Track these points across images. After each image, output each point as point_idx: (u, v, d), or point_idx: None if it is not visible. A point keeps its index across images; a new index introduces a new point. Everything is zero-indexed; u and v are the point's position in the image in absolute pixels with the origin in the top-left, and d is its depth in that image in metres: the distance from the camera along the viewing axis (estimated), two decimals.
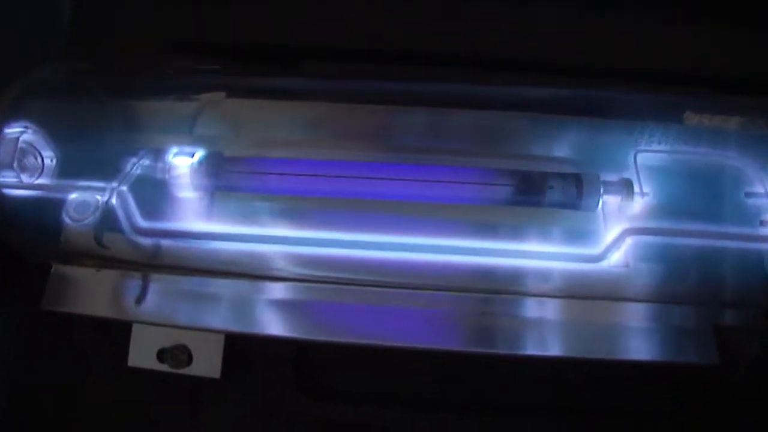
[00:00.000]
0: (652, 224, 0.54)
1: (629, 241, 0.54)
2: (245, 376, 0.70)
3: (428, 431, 0.69)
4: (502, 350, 0.60)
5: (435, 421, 0.69)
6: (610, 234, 0.54)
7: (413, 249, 0.54)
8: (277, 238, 0.55)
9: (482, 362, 0.69)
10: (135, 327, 0.69)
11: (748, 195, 0.54)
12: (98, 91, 0.61)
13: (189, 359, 0.69)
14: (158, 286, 0.64)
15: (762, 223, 0.54)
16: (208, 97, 0.61)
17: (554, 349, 0.60)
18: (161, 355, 0.69)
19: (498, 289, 0.56)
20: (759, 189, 0.54)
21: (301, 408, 0.69)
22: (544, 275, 0.55)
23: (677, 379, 0.69)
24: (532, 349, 0.59)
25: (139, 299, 0.65)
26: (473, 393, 0.69)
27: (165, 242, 0.56)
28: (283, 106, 0.61)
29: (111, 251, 0.57)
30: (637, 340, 0.59)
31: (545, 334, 0.60)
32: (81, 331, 0.71)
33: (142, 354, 0.70)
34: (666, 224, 0.54)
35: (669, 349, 0.59)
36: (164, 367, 0.69)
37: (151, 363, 0.69)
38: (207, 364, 0.69)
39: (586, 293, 0.56)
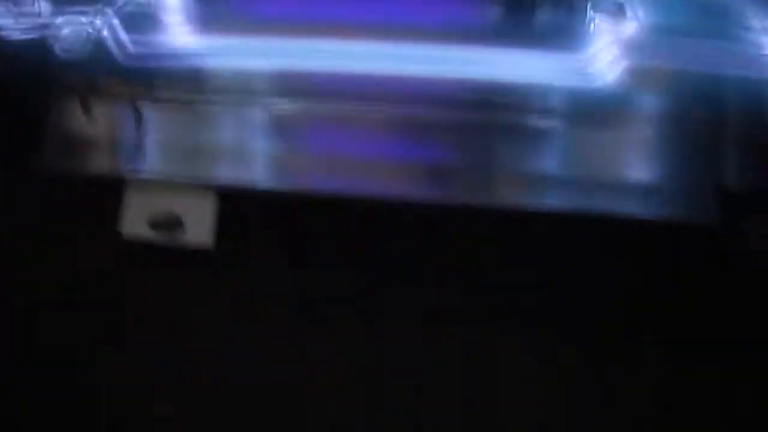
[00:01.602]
0: (645, 48, 0.52)
1: (622, 63, 0.52)
2: (237, 245, 0.70)
3: (425, 307, 0.69)
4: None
5: (427, 298, 0.69)
6: (603, 55, 0.52)
7: (408, 60, 0.53)
8: (264, 50, 0.54)
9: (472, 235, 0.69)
10: (128, 194, 0.69)
11: (745, 29, 0.52)
12: None
13: (181, 227, 0.69)
14: (153, 141, 0.63)
15: (761, 54, 0.52)
16: None
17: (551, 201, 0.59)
18: (153, 223, 0.69)
19: (493, 103, 0.55)
20: (756, 24, 0.52)
21: (292, 280, 0.69)
22: (538, 92, 0.54)
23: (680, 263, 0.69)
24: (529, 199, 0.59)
25: (133, 156, 0.64)
26: (468, 271, 0.70)
27: (153, 63, 0.56)
28: None
29: (103, 80, 0.57)
30: (637, 196, 0.58)
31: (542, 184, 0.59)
32: (73, 200, 0.72)
33: (134, 222, 0.70)
34: (659, 50, 0.52)
35: (669, 206, 0.58)
36: (156, 236, 0.69)
37: (143, 231, 0.69)
38: (199, 231, 0.68)
39: (580, 113, 0.54)
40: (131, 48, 0.55)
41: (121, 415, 0.70)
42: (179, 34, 0.55)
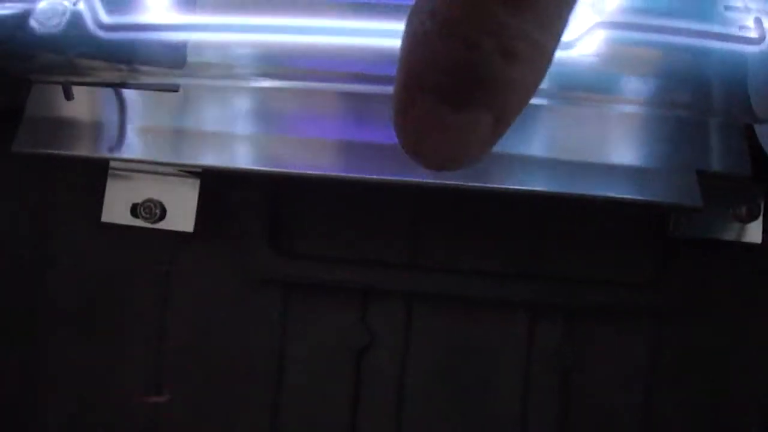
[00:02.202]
0: (626, 18, 0.52)
1: (601, 33, 0.52)
2: (219, 231, 0.69)
3: (407, 291, 0.68)
4: (489, 183, 0.59)
5: (409, 280, 0.68)
6: (581, 24, 0.52)
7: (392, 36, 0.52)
8: (248, 27, 0.53)
9: (457, 222, 0.69)
10: (109, 181, 0.69)
11: (728, 8, 0.52)
12: None
13: (162, 213, 0.68)
14: (135, 125, 0.62)
15: (740, 29, 0.52)
16: None
17: (532, 183, 0.58)
18: (134, 209, 0.69)
19: None
20: (738, 3, 0.52)
21: (273, 265, 0.68)
22: None
23: (663, 246, 0.69)
24: (510, 183, 0.58)
25: (115, 139, 0.63)
26: (451, 255, 0.69)
27: (132, 36, 0.55)
28: None
29: (80, 55, 0.56)
30: (618, 177, 0.58)
31: (523, 166, 0.58)
32: (54, 185, 0.71)
33: (115, 209, 0.69)
34: (640, 20, 0.52)
35: (648, 188, 0.58)
36: (138, 222, 0.69)
37: (124, 218, 0.69)
38: (180, 217, 0.67)
39: (556, 82, 0.54)
40: (109, 21, 0.54)
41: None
42: (158, 8, 0.54)
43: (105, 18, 0.54)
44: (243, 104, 0.61)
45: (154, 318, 0.69)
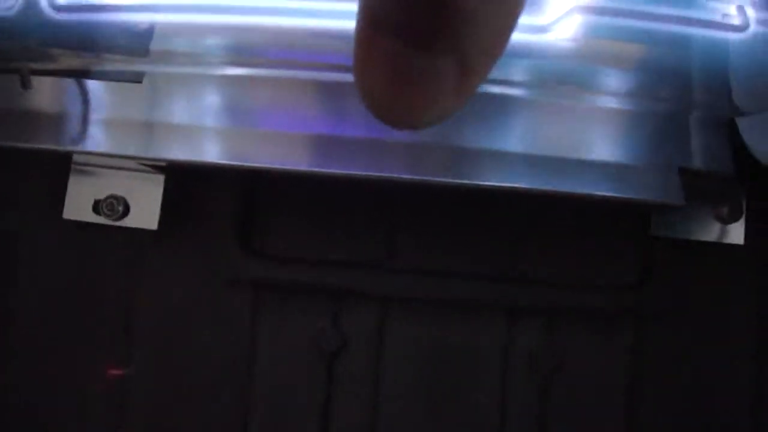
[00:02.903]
0: (605, 2, 0.50)
1: (579, 17, 0.50)
2: (185, 229, 0.66)
3: (382, 293, 0.66)
4: (467, 179, 0.57)
5: (383, 282, 0.65)
6: (558, 7, 0.50)
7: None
8: (216, 8, 0.51)
9: (433, 223, 0.67)
10: (72, 176, 0.66)
11: None
12: None
13: (126, 210, 0.65)
14: (98, 116, 0.59)
15: (723, 16, 0.51)
16: None
17: (511, 179, 0.56)
18: (97, 205, 0.66)
19: None
20: None
21: (243, 265, 0.65)
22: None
23: (644, 248, 0.67)
24: (488, 180, 0.56)
25: (78, 131, 0.61)
26: (427, 256, 0.67)
27: (90, 18, 0.52)
28: None
29: (37, 41, 0.53)
30: (599, 174, 0.56)
31: (501, 162, 0.56)
32: (14, 182, 0.68)
33: (77, 205, 0.66)
34: (620, 4, 0.50)
35: (630, 185, 0.56)
36: (100, 219, 0.66)
37: (86, 215, 0.66)
38: (144, 214, 0.65)
39: (532, 70, 0.52)
40: (64, 1, 0.52)
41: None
42: None
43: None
44: (211, 96, 0.59)
45: (118, 319, 0.66)
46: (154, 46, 0.55)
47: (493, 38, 0.19)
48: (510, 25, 0.19)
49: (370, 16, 0.19)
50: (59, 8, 0.51)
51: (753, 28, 0.51)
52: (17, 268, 0.67)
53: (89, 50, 0.54)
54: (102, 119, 0.61)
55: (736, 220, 0.66)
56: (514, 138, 0.58)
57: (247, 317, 0.66)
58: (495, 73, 0.56)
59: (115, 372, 0.64)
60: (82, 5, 0.51)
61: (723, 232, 0.66)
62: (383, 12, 0.18)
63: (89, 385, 0.64)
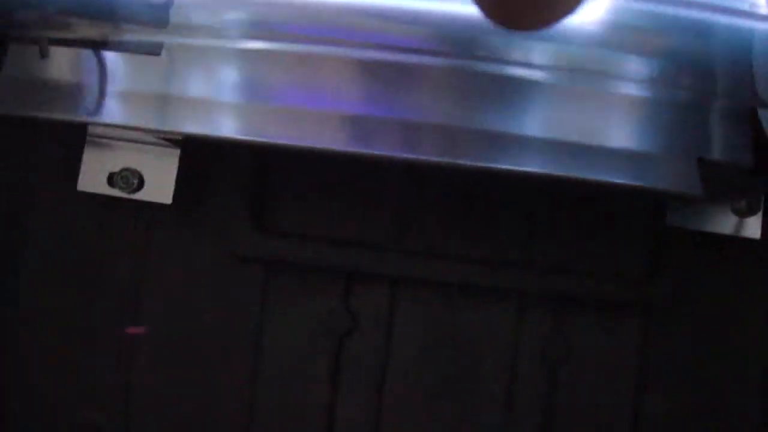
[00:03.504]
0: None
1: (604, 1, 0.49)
2: (199, 205, 0.66)
3: (393, 274, 0.66)
4: (481, 162, 0.56)
5: (395, 263, 0.65)
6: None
7: None
8: None
9: (446, 206, 0.66)
10: (87, 149, 0.66)
11: None
12: None
13: (140, 183, 0.65)
14: (114, 88, 0.59)
15: (751, 6, 0.50)
16: None
17: (528, 163, 0.56)
18: (111, 178, 0.66)
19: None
20: None
21: (254, 243, 0.65)
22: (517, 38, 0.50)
23: (657, 239, 0.67)
24: (504, 163, 0.55)
25: (94, 102, 0.60)
26: (439, 239, 0.67)
27: None
28: None
29: (58, 11, 0.53)
30: (616, 161, 0.56)
31: (518, 146, 0.56)
32: (29, 153, 0.68)
33: (92, 177, 0.66)
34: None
35: (647, 173, 0.56)
36: (115, 192, 0.66)
37: (101, 187, 0.66)
38: (158, 188, 0.64)
39: (555, 53, 0.51)
40: None
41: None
42: None
43: None
44: (230, 71, 0.58)
45: (129, 292, 0.66)
46: (174, 17, 0.55)
47: None
48: None
49: None
50: None
51: None
52: (31, 238, 0.67)
53: (107, 20, 0.54)
54: (118, 91, 0.60)
55: (753, 213, 0.65)
56: (533, 122, 0.57)
57: (257, 295, 0.66)
58: (517, 54, 0.55)
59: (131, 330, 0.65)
60: None
61: (739, 226, 0.65)
62: None
63: (98, 352, 0.65)
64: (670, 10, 0.49)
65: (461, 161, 0.55)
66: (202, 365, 0.66)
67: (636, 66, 0.52)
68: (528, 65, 0.53)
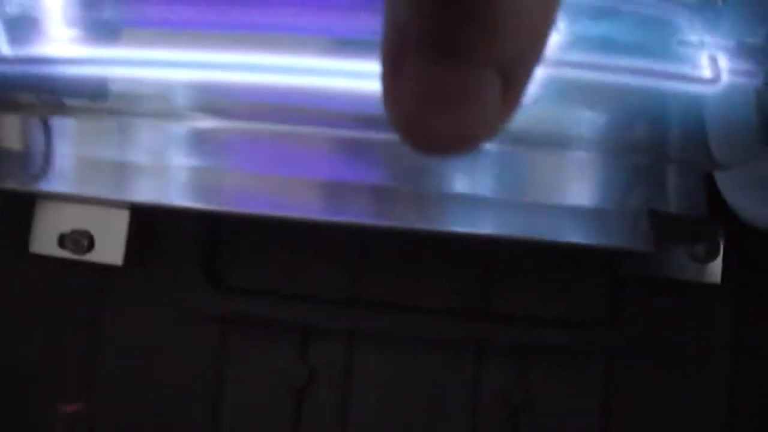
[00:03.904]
0: (570, 58, 0.47)
1: (542, 73, 0.48)
2: (151, 263, 0.65)
3: (348, 327, 0.65)
4: (433, 226, 0.56)
5: (349, 316, 0.65)
6: None
7: (334, 74, 0.48)
8: (163, 62, 0.49)
9: (402, 256, 0.66)
10: (37, 210, 0.65)
11: (681, 43, 0.49)
12: None
13: (90, 245, 0.65)
14: (64, 155, 0.58)
15: (694, 67, 0.48)
16: None
17: (482, 225, 0.55)
18: (62, 240, 0.65)
19: None
20: (691, 37, 0.49)
21: (208, 300, 0.64)
22: None
23: (616, 283, 0.66)
24: (458, 226, 0.55)
25: (42, 170, 0.60)
26: (395, 293, 0.66)
27: (37, 70, 0.51)
28: None
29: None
30: (561, 217, 0.55)
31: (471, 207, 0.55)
32: None
33: (43, 239, 0.65)
34: (585, 63, 0.48)
35: (598, 231, 0.55)
36: (65, 253, 0.65)
37: (51, 249, 0.65)
38: (109, 249, 0.64)
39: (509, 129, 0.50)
40: (8, 52, 0.50)
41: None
42: (71, 41, 0.50)
43: (6, 49, 0.50)
44: (179, 133, 0.58)
45: (83, 356, 0.66)
46: (117, 90, 0.54)
47: (538, 36, 0.17)
48: (553, 14, 0.17)
49: (396, 32, 0.17)
50: (6, 60, 0.50)
51: (725, 79, 0.49)
52: None
53: (43, 94, 0.53)
54: (67, 155, 0.60)
55: (712, 259, 0.64)
56: (484, 182, 0.56)
57: (214, 352, 0.65)
58: None
59: (74, 408, 0.64)
60: (33, 58, 0.50)
61: (699, 271, 0.64)
62: (412, 24, 0.16)
63: (51, 420, 0.64)
64: (609, 77, 0.48)
65: (413, 225, 0.54)
66: (159, 422, 0.66)
67: (583, 130, 0.51)
68: None
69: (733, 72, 0.49)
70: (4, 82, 0.52)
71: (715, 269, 0.63)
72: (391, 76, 0.17)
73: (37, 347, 0.66)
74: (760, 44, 0.49)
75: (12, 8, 0.50)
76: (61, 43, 0.50)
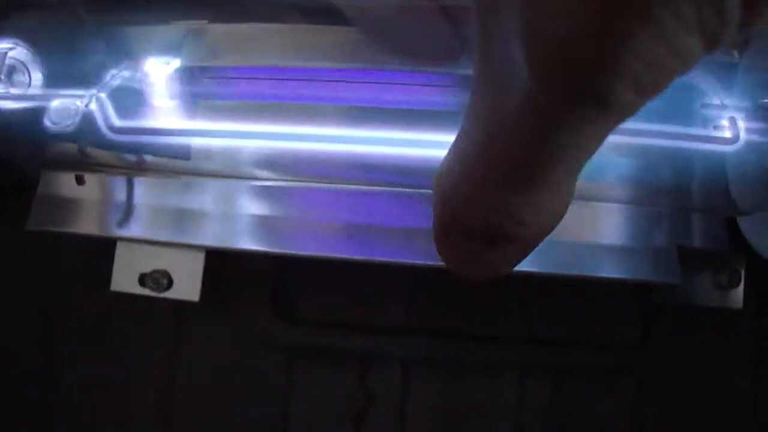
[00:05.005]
0: None
1: None
2: (223, 299, 0.72)
3: (404, 355, 0.71)
4: None
5: (411, 347, 0.71)
6: None
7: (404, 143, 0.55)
8: (255, 134, 0.56)
9: (451, 286, 0.72)
10: (118, 251, 0.72)
11: (704, 106, 0.55)
12: (84, 10, 0.61)
13: (169, 283, 0.71)
14: (142, 204, 0.66)
15: (715, 128, 0.54)
16: (191, 24, 0.62)
17: (522, 263, 0.61)
18: (142, 279, 0.72)
19: None
20: (714, 100, 0.55)
21: (276, 332, 0.71)
22: None
23: (647, 311, 0.72)
24: None
25: (123, 218, 0.67)
26: (445, 320, 0.72)
27: (142, 139, 0.58)
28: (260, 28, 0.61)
29: (91, 153, 0.59)
30: (596, 255, 0.61)
31: None
32: (66, 256, 0.74)
33: (124, 278, 0.72)
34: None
35: (630, 266, 0.61)
36: (146, 291, 0.72)
37: (132, 287, 0.71)
38: (186, 287, 0.70)
39: None
40: (119, 123, 0.57)
41: None
42: (166, 113, 0.57)
43: (116, 121, 0.56)
44: (246, 186, 0.64)
45: (160, 385, 0.73)
46: (197, 153, 0.60)
47: (546, 229, 0.26)
48: (554, 224, 0.27)
49: (441, 222, 0.25)
50: (114, 129, 0.56)
51: (743, 137, 0.55)
52: (64, 338, 0.74)
53: (136, 156, 0.60)
54: (144, 204, 0.67)
55: (735, 287, 0.70)
56: None
57: (281, 379, 0.72)
58: None
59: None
60: (135, 128, 0.56)
61: (722, 298, 0.70)
62: (456, 224, 0.25)
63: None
64: (647, 140, 0.54)
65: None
66: None
67: (612, 188, 0.57)
68: None
69: (750, 131, 0.55)
70: (105, 149, 0.59)
71: (737, 296, 0.69)
72: (440, 247, 0.26)
73: (118, 384, 0.73)
74: None
75: (119, 82, 0.57)
76: (158, 116, 0.58)
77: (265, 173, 0.58)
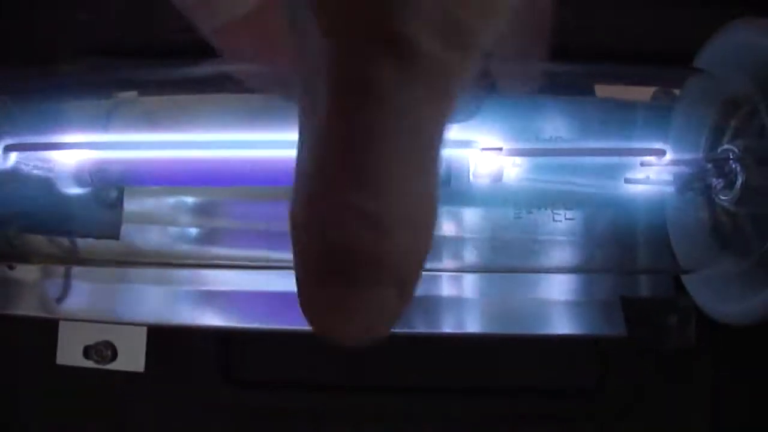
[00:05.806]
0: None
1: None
2: (168, 368, 0.71)
3: (354, 413, 0.70)
4: (421, 329, 0.63)
5: (361, 404, 0.70)
6: None
7: None
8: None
9: (402, 343, 0.71)
10: (61, 326, 0.70)
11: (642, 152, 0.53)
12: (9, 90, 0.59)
13: (114, 355, 0.70)
14: (80, 282, 0.65)
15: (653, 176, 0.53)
16: (121, 95, 0.60)
17: (466, 326, 0.63)
18: (87, 351, 0.70)
19: None
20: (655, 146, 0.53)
21: (224, 396, 0.70)
22: None
23: (602, 355, 0.71)
24: (444, 328, 0.63)
25: (62, 296, 0.66)
26: (396, 375, 0.71)
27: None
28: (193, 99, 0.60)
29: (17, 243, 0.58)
30: (541, 312, 0.61)
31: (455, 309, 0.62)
32: (11, 333, 0.73)
33: (68, 352, 0.71)
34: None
35: (576, 321, 0.61)
36: (90, 363, 0.70)
37: (77, 360, 0.70)
38: (131, 358, 0.69)
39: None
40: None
41: None
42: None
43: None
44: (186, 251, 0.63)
45: None
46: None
47: (420, 257, 0.21)
48: (429, 238, 0.21)
49: (304, 266, 0.20)
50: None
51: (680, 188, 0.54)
52: (14, 412, 0.72)
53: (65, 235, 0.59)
54: (83, 279, 0.66)
55: (685, 326, 0.69)
56: (467, 285, 0.62)
57: None
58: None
59: None
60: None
61: (674, 339, 0.69)
62: (314, 265, 0.20)
63: None
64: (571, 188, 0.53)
65: (399, 330, 0.60)
66: None
67: (550, 252, 0.56)
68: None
69: (687, 181, 0.54)
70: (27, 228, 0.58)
71: (689, 335, 0.68)
72: (304, 298, 0.21)
73: None
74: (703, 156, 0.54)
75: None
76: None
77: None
